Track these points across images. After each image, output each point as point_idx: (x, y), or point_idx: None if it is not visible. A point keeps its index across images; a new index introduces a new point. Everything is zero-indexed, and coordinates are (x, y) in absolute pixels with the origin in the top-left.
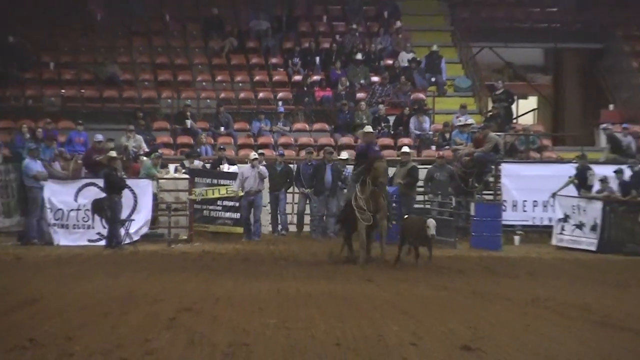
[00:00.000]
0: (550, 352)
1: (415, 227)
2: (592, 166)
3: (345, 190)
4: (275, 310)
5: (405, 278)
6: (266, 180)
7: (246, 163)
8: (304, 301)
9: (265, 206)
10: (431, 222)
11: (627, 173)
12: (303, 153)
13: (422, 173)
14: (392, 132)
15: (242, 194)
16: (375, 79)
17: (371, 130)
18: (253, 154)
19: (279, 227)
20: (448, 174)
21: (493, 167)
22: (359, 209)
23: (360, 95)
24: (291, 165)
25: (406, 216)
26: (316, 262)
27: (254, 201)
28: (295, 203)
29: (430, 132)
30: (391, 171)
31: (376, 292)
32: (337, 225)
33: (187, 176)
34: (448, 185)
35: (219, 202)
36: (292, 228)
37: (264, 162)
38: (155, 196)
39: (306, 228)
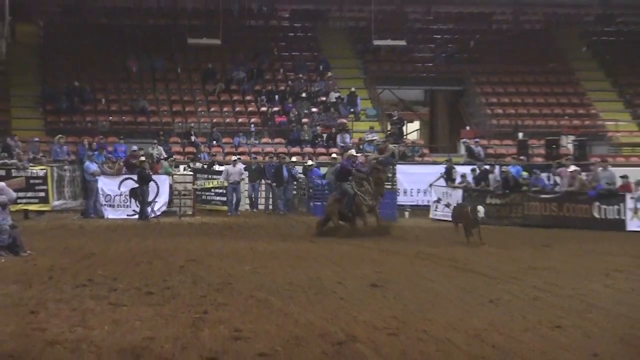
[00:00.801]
0: (430, 287)
1: (466, 212)
2: (456, 166)
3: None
4: (250, 261)
5: (335, 240)
6: (245, 175)
7: (229, 164)
8: (269, 255)
9: (243, 192)
10: (481, 208)
11: (477, 171)
12: (267, 158)
13: None
14: (325, 144)
15: (226, 184)
16: (314, 109)
17: (354, 153)
18: (233, 157)
19: (254, 206)
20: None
21: (391, 167)
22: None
23: (304, 120)
24: (261, 165)
25: (457, 203)
26: (277, 229)
27: (236, 188)
28: (263, 190)
29: (350, 144)
30: (324, 169)
31: (316, 249)
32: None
33: (191, 173)
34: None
35: (212, 190)
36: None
37: (244, 164)
38: (171, 186)
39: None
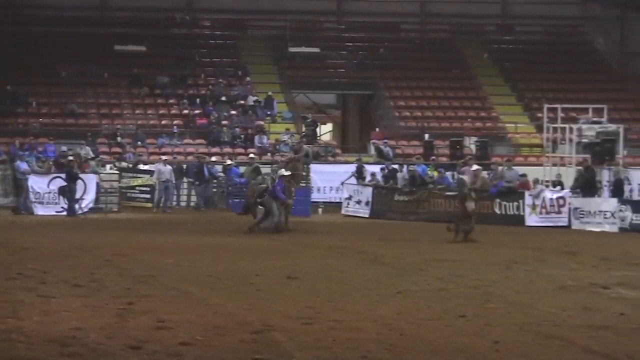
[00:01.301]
0: (341, 279)
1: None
2: (366, 165)
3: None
4: (172, 254)
5: (253, 235)
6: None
7: (159, 163)
8: (190, 249)
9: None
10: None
11: (386, 170)
12: (192, 158)
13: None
14: (243, 145)
15: (154, 182)
16: (233, 112)
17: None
18: (164, 157)
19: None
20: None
21: (306, 166)
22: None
23: (224, 122)
24: (182, 165)
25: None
26: (198, 225)
27: (167, 186)
28: (185, 188)
29: (267, 145)
30: (243, 168)
31: (234, 243)
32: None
33: (117, 172)
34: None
35: (137, 188)
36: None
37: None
38: (98, 184)
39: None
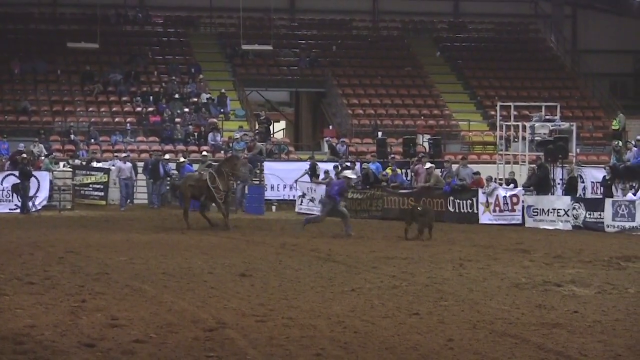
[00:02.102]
0: (294, 276)
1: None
2: (319, 163)
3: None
4: (126, 251)
5: (206, 232)
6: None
7: (120, 160)
8: (143, 246)
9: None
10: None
11: (339, 168)
12: (144, 155)
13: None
14: (197, 142)
15: (114, 179)
16: (186, 110)
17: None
18: (123, 154)
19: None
20: (248, 169)
21: (259, 163)
22: (217, 189)
23: (177, 119)
24: (135, 163)
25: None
26: (151, 222)
27: (127, 184)
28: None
29: (220, 143)
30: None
31: (187, 240)
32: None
33: (71, 169)
34: (248, 175)
35: (90, 185)
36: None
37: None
38: (51, 182)
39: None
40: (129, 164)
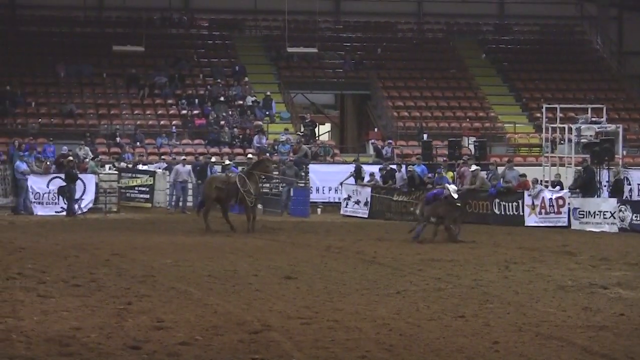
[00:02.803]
0: (340, 279)
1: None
2: (364, 166)
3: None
4: (171, 254)
5: (251, 234)
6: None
7: (179, 164)
8: (188, 248)
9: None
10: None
11: (385, 170)
12: (189, 158)
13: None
14: (242, 145)
15: (171, 182)
16: (231, 112)
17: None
18: (182, 157)
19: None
20: (294, 172)
21: (305, 166)
22: (247, 193)
23: (222, 122)
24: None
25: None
26: (196, 224)
27: (184, 187)
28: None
29: (266, 145)
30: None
31: (232, 243)
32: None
33: (116, 172)
34: (294, 178)
35: (136, 188)
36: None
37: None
38: (97, 184)
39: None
40: (187, 167)
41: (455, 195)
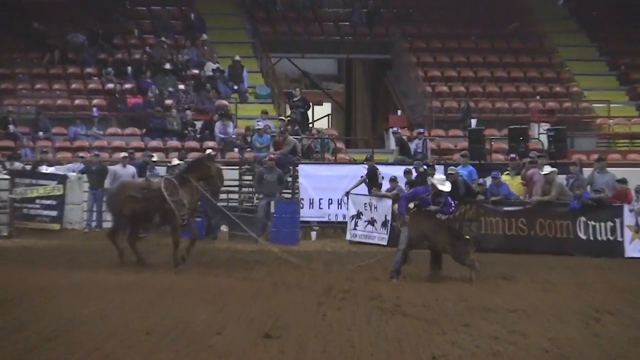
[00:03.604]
0: (346, 337)
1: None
2: (382, 166)
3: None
4: (94, 299)
5: (209, 270)
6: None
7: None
8: (120, 290)
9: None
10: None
11: (413, 173)
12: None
13: (226, 173)
14: (198, 136)
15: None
16: (181, 87)
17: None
18: (123, 153)
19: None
20: (277, 176)
21: (291, 167)
22: (178, 205)
23: (168, 102)
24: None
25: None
26: (130, 255)
27: None
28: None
29: (234, 136)
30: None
31: (185, 283)
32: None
33: (7, 177)
34: (276, 186)
35: (37, 201)
36: None
37: (82, 164)
38: None
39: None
40: (130, 169)
41: (445, 187)
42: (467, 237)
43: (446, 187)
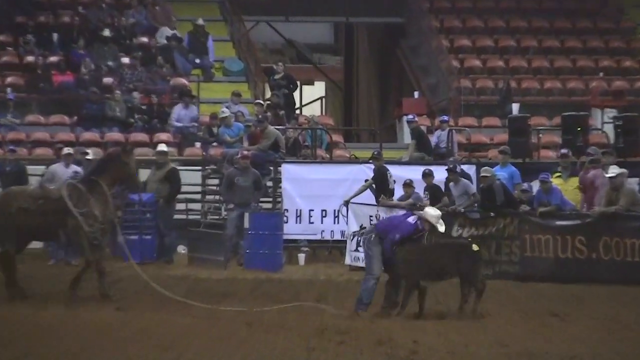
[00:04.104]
0: None
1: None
2: (393, 167)
3: None
4: None
5: (163, 304)
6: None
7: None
8: (32, 332)
9: None
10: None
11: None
12: (39, 151)
13: (185, 176)
14: (147, 125)
15: None
16: (126, 60)
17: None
18: (66, 149)
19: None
20: (252, 180)
21: (272, 168)
22: (88, 217)
23: (107, 80)
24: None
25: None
26: (58, 285)
27: None
28: None
29: (195, 125)
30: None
31: (128, 322)
32: None
33: None
34: (251, 192)
35: None
36: None
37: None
38: None
39: None
40: (74, 168)
41: (439, 225)
42: (476, 248)
43: (443, 227)
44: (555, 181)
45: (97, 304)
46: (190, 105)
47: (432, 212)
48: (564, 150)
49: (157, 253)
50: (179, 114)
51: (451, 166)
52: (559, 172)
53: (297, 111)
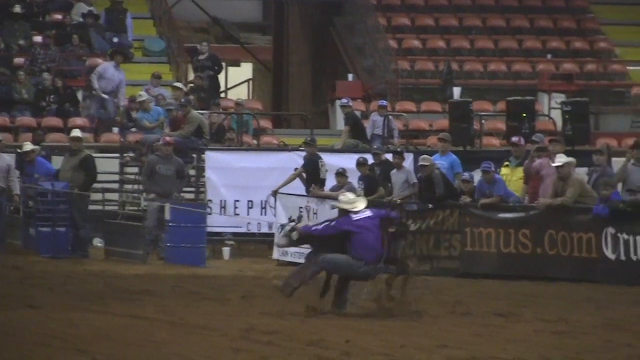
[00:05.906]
0: None
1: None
2: (325, 155)
3: None
4: None
5: (79, 304)
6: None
7: None
8: None
9: None
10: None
11: (370, 164)
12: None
13: (101, 164)
14: (59, 109)
15: None
16: (38, 39)
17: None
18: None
19: None
20: (175, 168)
21: (195, 156)
22: None
23: (18, 60)
24: None
25: None
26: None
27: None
28: None
29: (112, 110)
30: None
31: (42, 322)
32: None
33: None
34: (173, 181)
35: None
36: None
37: None
38: None
39: None
40: (5, 160)
41: (357, 207)
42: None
43: (359, 205)
44: (503, 171)
45: (5, 303)
46: (118, 65)
47: (343, 198)
48: (515, 139)
49: (72, 247)
50: (107, 70)
51: (398, 149)
52: (508, 161)
53: (223, 94)
